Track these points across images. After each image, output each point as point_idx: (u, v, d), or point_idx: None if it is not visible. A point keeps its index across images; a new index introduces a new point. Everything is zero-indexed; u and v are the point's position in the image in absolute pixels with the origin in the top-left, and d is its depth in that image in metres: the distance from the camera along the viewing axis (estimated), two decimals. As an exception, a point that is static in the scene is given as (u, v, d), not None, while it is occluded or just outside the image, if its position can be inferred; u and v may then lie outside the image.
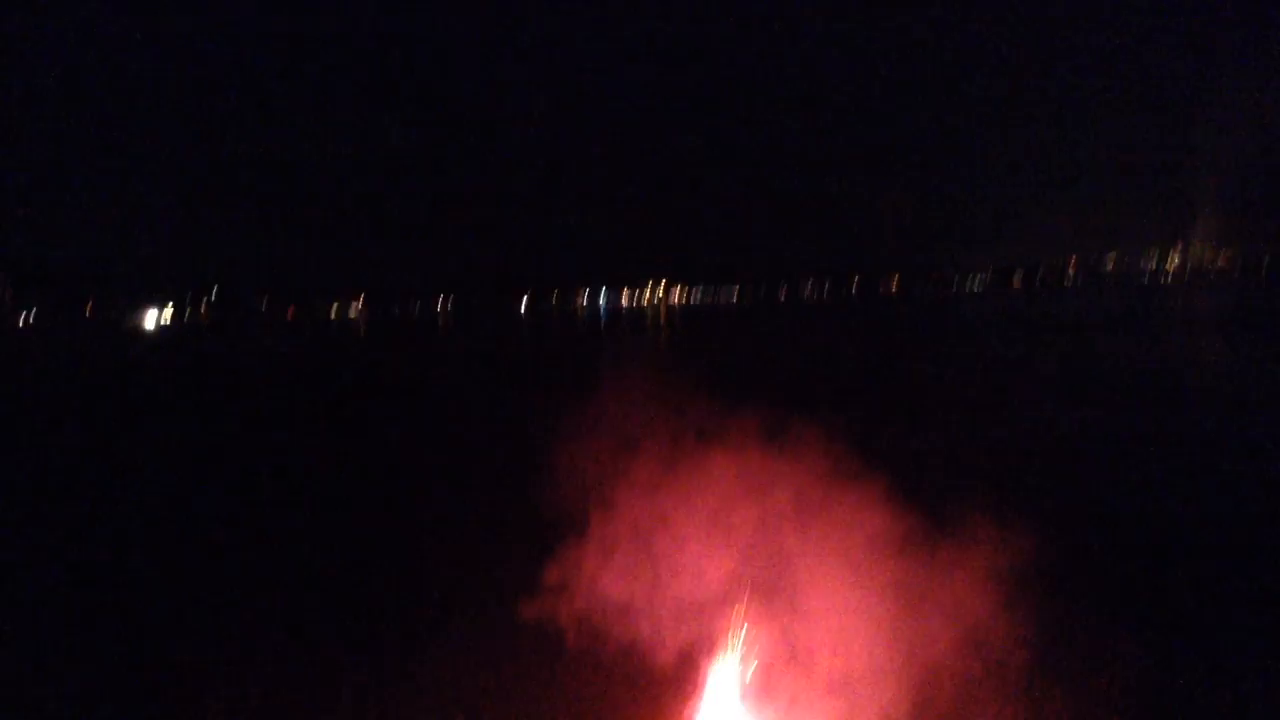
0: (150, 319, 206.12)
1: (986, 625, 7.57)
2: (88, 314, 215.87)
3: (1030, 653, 8.07)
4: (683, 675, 7.14)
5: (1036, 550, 10.29)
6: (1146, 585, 10.27)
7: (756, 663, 6.91)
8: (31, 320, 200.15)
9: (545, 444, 8.86)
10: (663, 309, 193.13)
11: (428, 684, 8.07)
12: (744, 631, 6.80)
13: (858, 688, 6.80)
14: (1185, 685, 7.76)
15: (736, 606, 6.82)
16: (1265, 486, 14.45)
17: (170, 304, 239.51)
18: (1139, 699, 7.65)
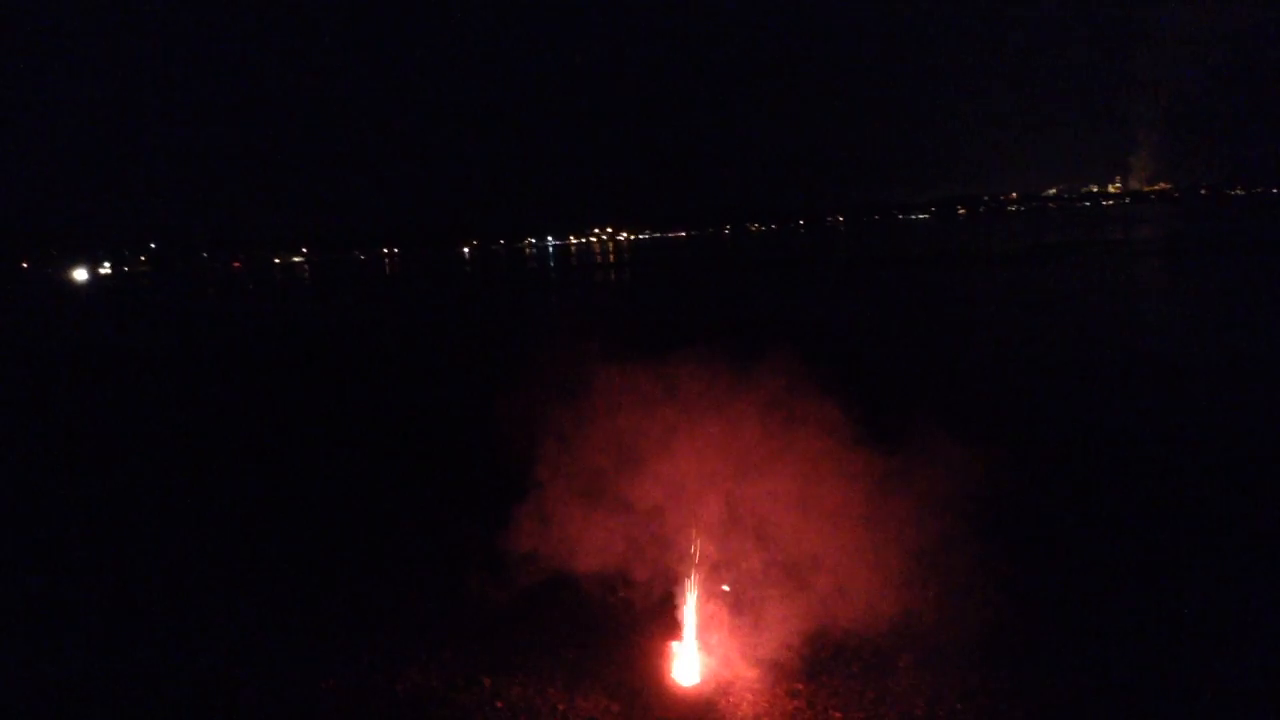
0: (88, 272, 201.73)
1: (938, 538, 7.84)
2: (24, 268, 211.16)
3: (983, 569, 8.37)
4: (659, 603, 7.36)
5: (989, 469, 10.61)
6: (1092, 505, 10.60)
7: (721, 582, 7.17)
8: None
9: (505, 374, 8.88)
10: (611, 248, 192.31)
11: (395, 624, 8.19)
12: (698, 553, 7.05)
13: (819, 586, 7.11)
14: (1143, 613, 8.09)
15: (696, 535, 7.06)
16: (1211, 410, 14.89)
17: (108, 259, 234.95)
18: (1088, 613, 7.99)
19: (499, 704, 6.65)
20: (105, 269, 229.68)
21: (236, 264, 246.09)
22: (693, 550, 7.05)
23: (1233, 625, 7.41)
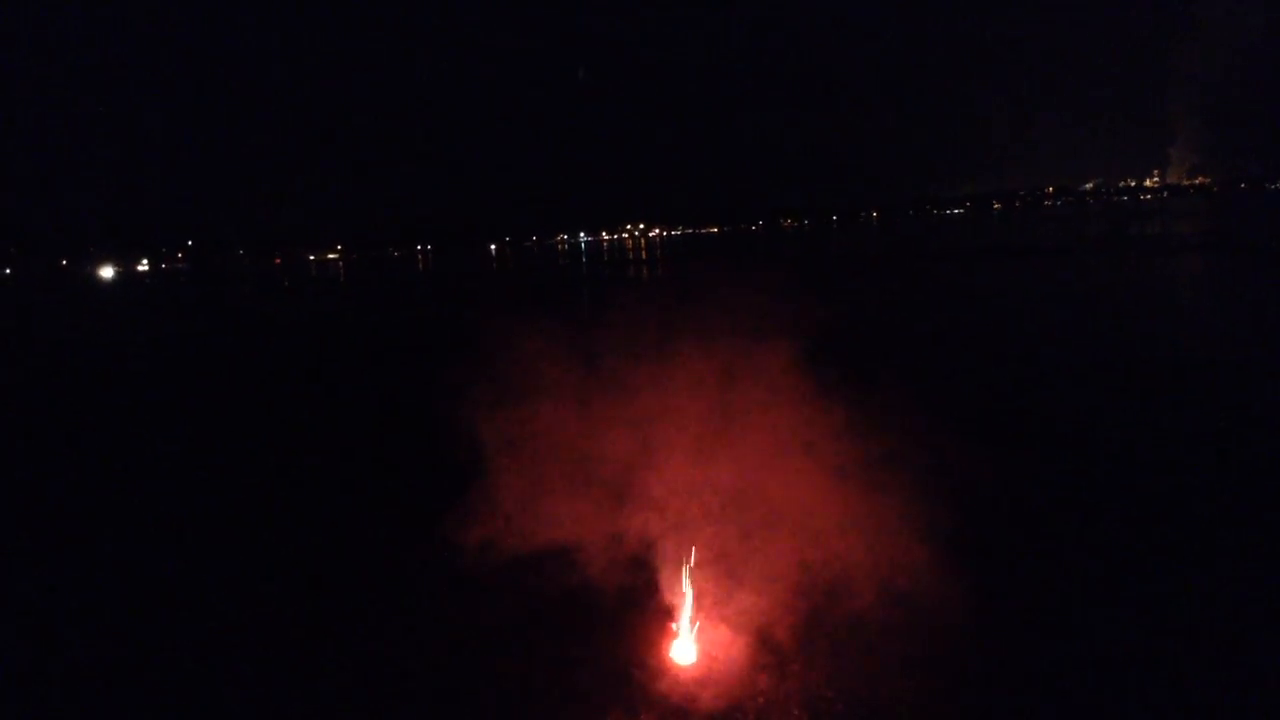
0: (128, 270, 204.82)
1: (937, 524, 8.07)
2: (63, 267, 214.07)
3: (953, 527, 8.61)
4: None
5: (996, 462, 10.76)
6: (1092, 501, 10.68)
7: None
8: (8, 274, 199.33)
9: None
10: (643, 244, 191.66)
11: (396, 612, 8.46)
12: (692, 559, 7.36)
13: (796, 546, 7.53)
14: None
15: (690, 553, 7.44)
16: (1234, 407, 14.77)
17: (146, 257, 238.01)
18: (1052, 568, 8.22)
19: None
20: (143, 266, 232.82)
21: (278, 260, 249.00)
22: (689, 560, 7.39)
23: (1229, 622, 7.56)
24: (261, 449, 15.88)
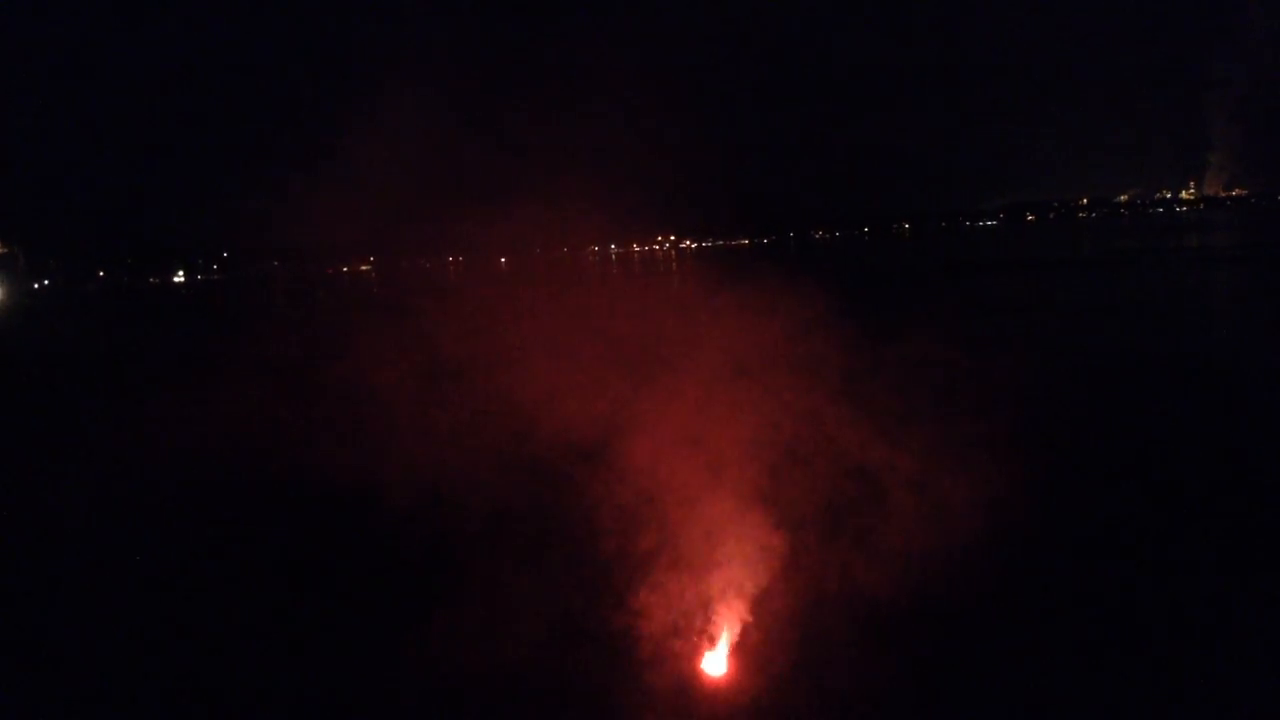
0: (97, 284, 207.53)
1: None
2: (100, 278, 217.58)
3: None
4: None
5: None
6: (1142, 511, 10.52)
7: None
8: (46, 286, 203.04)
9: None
10: (673, 255, 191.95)
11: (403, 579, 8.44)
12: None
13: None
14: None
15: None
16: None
17: (182, 267, 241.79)
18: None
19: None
20: (179, 278, 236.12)
21: (329, 270, 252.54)
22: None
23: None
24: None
